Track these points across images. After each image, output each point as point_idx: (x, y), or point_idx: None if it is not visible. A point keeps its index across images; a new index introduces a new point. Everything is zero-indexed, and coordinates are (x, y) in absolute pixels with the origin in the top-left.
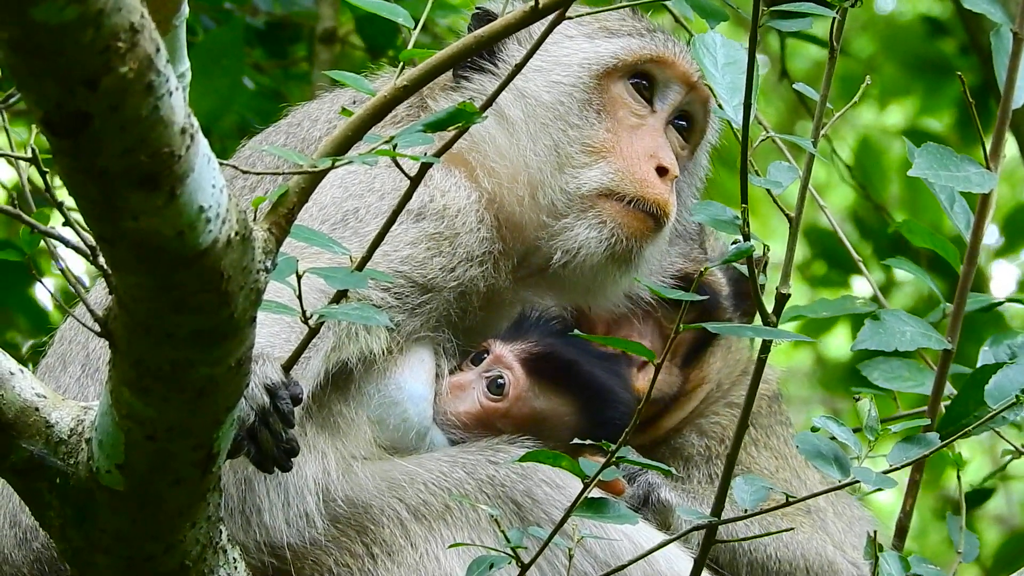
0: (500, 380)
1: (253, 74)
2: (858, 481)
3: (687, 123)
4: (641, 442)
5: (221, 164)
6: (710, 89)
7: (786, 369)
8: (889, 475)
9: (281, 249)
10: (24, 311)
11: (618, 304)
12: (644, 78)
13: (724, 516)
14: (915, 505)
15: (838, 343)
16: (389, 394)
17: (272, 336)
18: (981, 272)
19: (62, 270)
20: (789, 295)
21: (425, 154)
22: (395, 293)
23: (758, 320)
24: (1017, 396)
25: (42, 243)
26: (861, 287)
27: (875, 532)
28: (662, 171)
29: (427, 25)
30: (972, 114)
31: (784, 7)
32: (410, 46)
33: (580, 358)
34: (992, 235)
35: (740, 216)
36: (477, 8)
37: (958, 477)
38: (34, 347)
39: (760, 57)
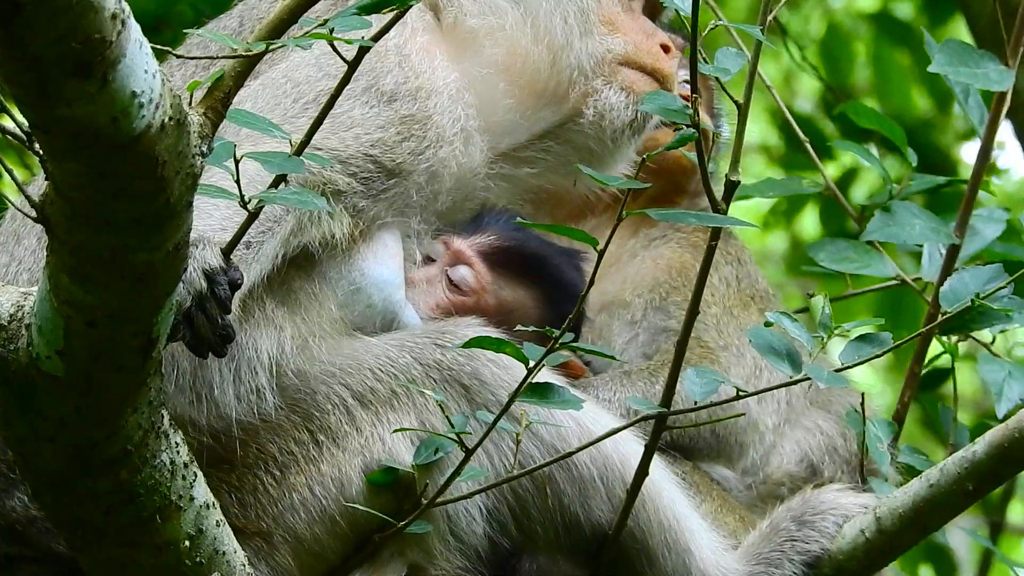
0: (461, 275)
1: None
2: (809, 378)
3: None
4: None
5: (155, 50)
6: None
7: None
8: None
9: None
10: None
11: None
12: None
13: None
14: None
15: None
16: (353, 280)
17: (224, 220)
18: (948, 155)
19: None
20: (739, 182)
21: (363, 38)
22: (361, 178)
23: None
24: (972, 300)
25: None
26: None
27: (863, 397)
28: (665, 48)
29: None
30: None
31: None
32: None
33: (545, 251)
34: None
35: (690, 105)
36: None
37: (952, 369)
38: None
39: None
